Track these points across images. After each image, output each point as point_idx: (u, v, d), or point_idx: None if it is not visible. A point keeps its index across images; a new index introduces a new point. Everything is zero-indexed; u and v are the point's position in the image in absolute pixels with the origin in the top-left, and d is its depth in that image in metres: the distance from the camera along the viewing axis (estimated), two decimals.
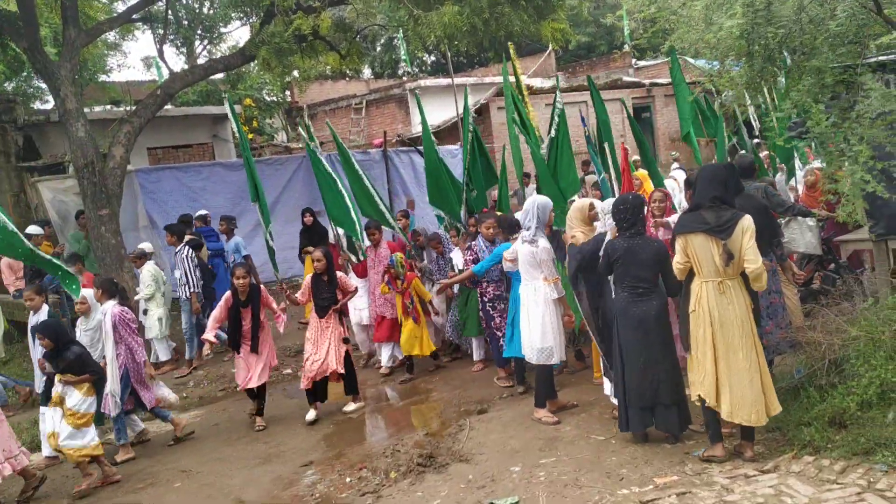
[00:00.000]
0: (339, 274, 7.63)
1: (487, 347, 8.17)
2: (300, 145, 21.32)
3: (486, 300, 7.56)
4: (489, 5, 9.62)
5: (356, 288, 8.03)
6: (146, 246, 9.90)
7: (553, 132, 8.35)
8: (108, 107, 17.60)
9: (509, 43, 9.55)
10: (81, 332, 7.27)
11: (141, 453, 7.06)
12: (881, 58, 5.99)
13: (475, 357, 8.38)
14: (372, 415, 7.59)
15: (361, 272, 8.90)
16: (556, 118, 8.33)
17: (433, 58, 31.58)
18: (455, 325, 8.51)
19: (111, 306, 6.84)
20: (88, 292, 7.24)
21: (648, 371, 5.39)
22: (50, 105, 15.24)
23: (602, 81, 21.18)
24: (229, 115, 8.44)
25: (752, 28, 5.32)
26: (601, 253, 5.63)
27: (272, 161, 14.85)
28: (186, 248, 9.49)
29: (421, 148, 9.55)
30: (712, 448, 5.12)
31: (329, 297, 7.41)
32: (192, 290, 9.47)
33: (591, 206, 6.55)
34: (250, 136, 22.89)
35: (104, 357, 6.83)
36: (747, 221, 4.86)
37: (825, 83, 5.21)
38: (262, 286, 7.71)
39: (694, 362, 5.09)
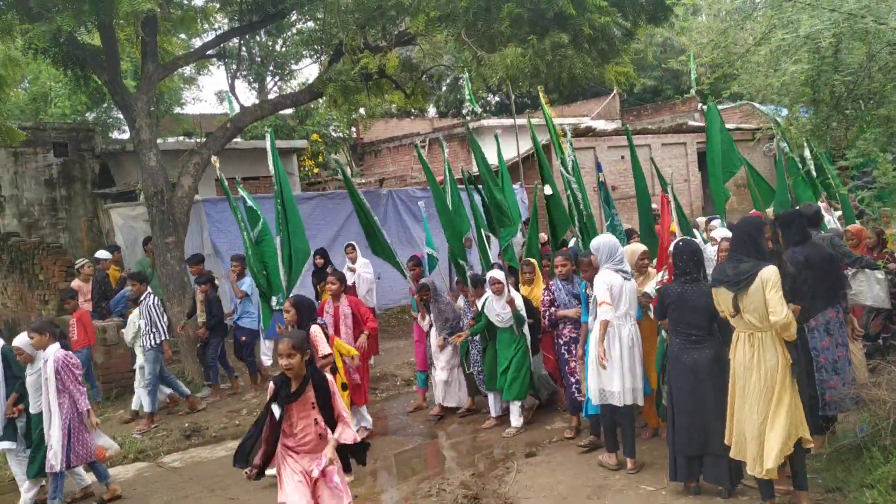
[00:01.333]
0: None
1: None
2: (363, 180, 21.74)
3: (562, 343, 7.16)
4: (552, 48, 9.68)
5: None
6: None
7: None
8: (181, 138, 18.27)
9: (539, 87, 9.51)
10: (27, 377, 6.49)
11: None
12: None
13: (492, 413, 7.89)
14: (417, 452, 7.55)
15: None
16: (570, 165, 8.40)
17: (497, 98, 31.86)
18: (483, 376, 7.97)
19: (53, 351, 6.28)
20: (23, 340, 6.38)
21: (697, 419, 5.26)
22: (126, 135, 15.91)
23: (667, 125, 21.00)
24: (268, 148, 8.37)
25: (819, 75, 5.23)
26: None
27: (335, 195, 15.13)
28: (151, 296, 8.89)
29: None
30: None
31: None
32: (158, 339, 8.68)
33: (645, 254, 6.53)
34: (316, 170, 23.47)
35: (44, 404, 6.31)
36: (768, 272, 4.75)
37: (894, 132, 5.06)
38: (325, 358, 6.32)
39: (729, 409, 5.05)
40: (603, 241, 6.23)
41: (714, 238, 8.11)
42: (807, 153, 9.16)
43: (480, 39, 10.77)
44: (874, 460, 5.07)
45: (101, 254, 11.14)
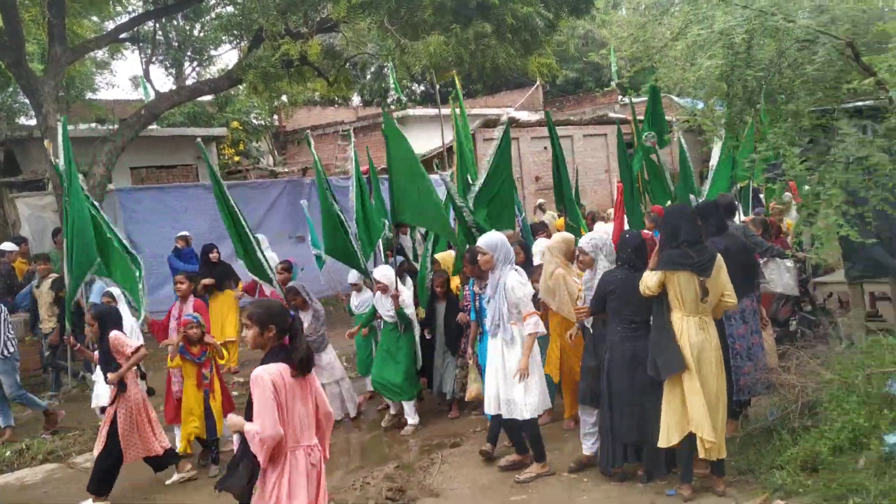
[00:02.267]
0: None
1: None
2: (286, 169, 21.34)
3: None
4: (475, 37, 9.71)
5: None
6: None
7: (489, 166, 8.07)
8: (94, 125, 17.54)
9: (456, 75, 9.46)
10: None
11: None
12: (858, 103, 6.07)
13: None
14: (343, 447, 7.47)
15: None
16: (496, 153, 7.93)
17: (422, 87, 31.77)
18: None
19: None
20: None
21: (638, 408, 5.30)
22: (33, 121, 15.18)
23: (589, 117, 21.36)
24: (202, 151, 7.99)
25: (732, 70, 5.38)
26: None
27: (257, 185, 14.82)
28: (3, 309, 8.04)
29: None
30: (682, 487, 5.07)
31: None
32: (7, 352, 7.85)
33: (575, 242, 6.50)
34: (236, 158, 22.92)
35: None
36: (720, 259, 4.95)
37: (802, 127, 5.26)
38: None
39: (675, 398, 5.02)
40: (498, 238, 5.94)
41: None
42: (715, 150, 9.42)
43: (404, 27, 10.71)
44: (783, 442, 5.26)
45: (7, 245, 10.59)
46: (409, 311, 7.38)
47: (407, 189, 7.31)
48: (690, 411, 4.91)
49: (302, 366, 3.78)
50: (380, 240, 8.77)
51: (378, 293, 7.53)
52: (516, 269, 5.87)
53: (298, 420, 3.79)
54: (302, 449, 3.81)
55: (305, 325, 7.34)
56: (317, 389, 3.99)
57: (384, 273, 7.46)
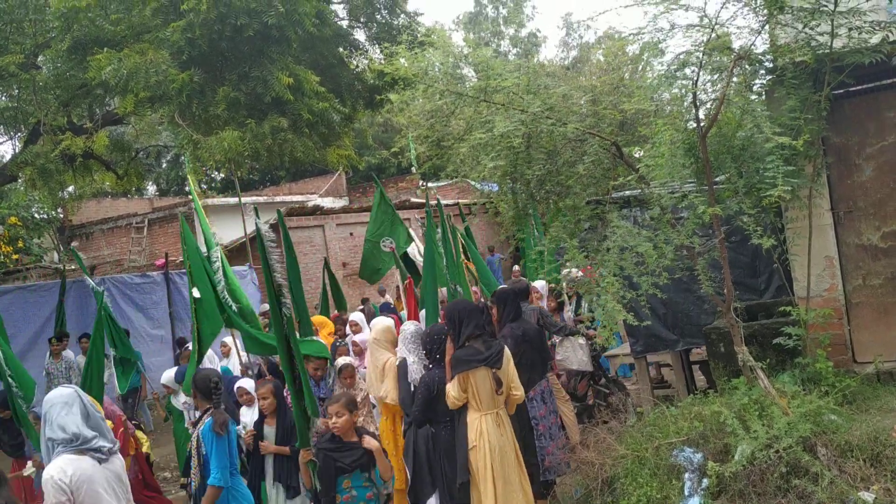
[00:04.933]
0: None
1: None
2: (73, 267, 19.77)
3: None
4: (272, 132, 9.68)
5: None
6: None
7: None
8: None
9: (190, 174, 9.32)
10: None
11: None
12: (626, 193, 6.69)
13: None
14: None
15: None
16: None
17: (222, 174, 31.09)
18: None
19: None
20: None
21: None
22: None
23: (392, 202, 21.84)
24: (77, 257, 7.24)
25: (515, 168, 5.74)
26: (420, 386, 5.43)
27: (36, 287, 13.54)
28: None
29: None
30: None
31: None
32: None
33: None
34: (15, 256, 20.92)
35: None
36: (507, 350, 5.12)
37: (580, 219, 5.68)
38: None
39: (476, 498, 5.04)
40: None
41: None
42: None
43: (197, 122, 10.46)
44: None
45: None
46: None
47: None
48: None
49: None
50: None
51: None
52: None
53: None
54: None
55: None
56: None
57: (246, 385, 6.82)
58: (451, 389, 5.01)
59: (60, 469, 3.41)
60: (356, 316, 8.81)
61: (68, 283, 13.59)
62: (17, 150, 12.63)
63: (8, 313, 11.65)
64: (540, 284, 9.06)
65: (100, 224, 21.93)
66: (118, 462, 3.68)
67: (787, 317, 5.82)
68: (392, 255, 9.94)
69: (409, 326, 6.27)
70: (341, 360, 6.69)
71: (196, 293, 6.79)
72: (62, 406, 3.52)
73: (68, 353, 9.54)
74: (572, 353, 8.25)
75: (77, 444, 3.47)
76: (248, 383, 6.86)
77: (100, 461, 3.52)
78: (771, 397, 5.14)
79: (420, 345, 5.75)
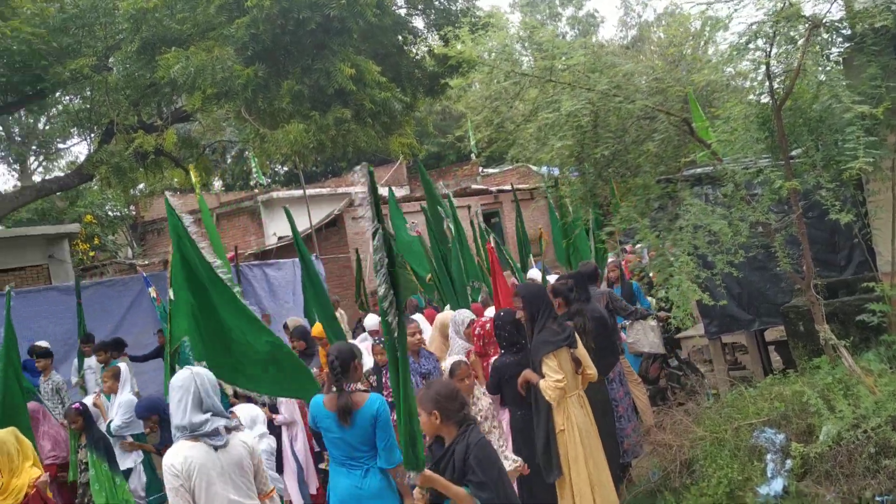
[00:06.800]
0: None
1: None
2: (146, 261, 20.39)
3: None
4: (335, 123, 9.77)
5: None
6: None
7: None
8: None
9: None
10: None
11: None
12: (698, 171, 6.55)
13: None
14: None
15: None
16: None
17: (286, 168, 31.62)
18: None
19: None
20: None
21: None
22: None
23: (452, 189, 21.89)
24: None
25: (582, 148, 5.67)
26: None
27: (113, 282, 14.02)
28: None
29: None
30: None
31: None
32: None
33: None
34: (92, 254, 21.72)
35: None
36: (574, 329, 5.07)
37: (651, 198, 5.59)
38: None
39: (567, 487, 4.94)
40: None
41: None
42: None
43: (262, 116, 10.64)
44: (667, 503, 5.40)
45: None
46: None
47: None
48: (578, 501, 4.87)
49: None
50: None
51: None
52: None
53: None
54: None
55: None
56: None
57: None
58: (550, 370, 4.82)
59: (174, 455, 3.55)
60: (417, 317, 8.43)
61: (140, 278, 14.02)
62: (91, 150, 13.08)
63: (89, 308, 12.12)
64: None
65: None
66: (237, 450, 3.68)
67: (870, 293, 5.62)
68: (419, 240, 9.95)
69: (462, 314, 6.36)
70: (451, 359, 5.54)
71: (171, 294, 6.34)
72: (176, 391, 3.62)
73: (56, 376, 8.87)
74: (643, 336, 8.14)
75: (190, 432, 3.57)
76: None
77: (215, 448, 3.59)
78: (856, 376, 4.98)
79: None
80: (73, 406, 6.46)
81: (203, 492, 3.52)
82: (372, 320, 7.58)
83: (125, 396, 6.80)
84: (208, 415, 3.60)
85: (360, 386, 4.43)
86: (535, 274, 10.25)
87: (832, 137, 5.20)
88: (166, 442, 5.71)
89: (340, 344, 4.82)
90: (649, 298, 8.87)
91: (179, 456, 3.54)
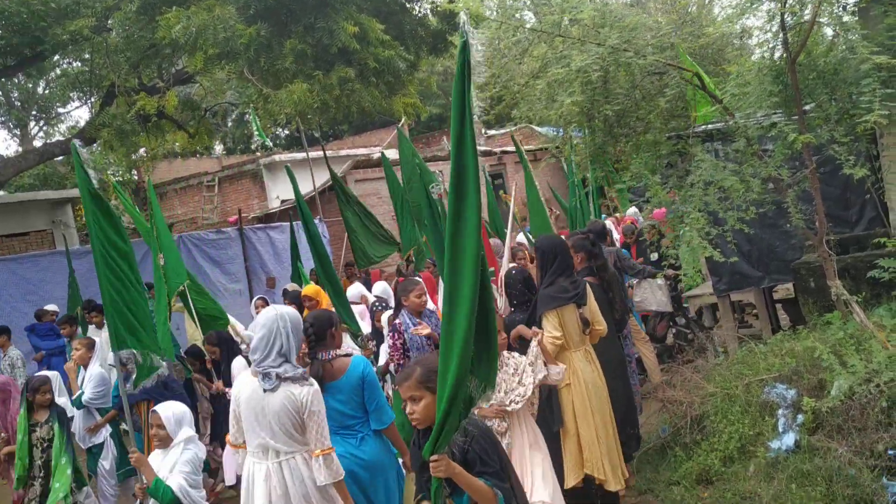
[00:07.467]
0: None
1: None
2: (150, 225, 20.31)
3: None
4: (339, 82, 9.66)
5: None
6: None
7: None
8: None
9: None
10: None
11: None
12: (709, 126, 6.47)
13: None
14: None
15: None
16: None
17: (286, 131, 31.40)
18: None
19: None
20: None
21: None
22: None
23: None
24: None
25: (592, 104, 5.59)
26: None
27: None
28: None
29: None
30: None
31: None
32: None
33: None
34: None
35: None
36: (588, 287, 5.02)
37: (661, 154, 5.52)
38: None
39: (572, 439, 4.94)
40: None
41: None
42: (588, 175, 9.82)
43: (265, 76, 10.53)
44: (678, 458, 5.43)
45: None
46: None
47: None
48: (586, 453, 4.87)
49: None
50: None
51: None
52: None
53: None
54: None
55: None
56: None
57: None
58: (549, 326, 4.79)
59: (238, 381, 3.92)
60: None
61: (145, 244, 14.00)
62: (92, 114, 12.98)
63: (90, 274, 12.07)
64: (632, 211, 9.07)
65: (172, 184, 22.45)
66: (279, 399, 3.70)
67: (882, 249, 5.57)
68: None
69: None
70: None
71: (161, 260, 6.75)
72: (259, 328, 3.83)
73: (14, 351, 8.85)
74: (650, 295, 8.15)
75: (254, 366, 3.79)
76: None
77: (264, 389, 3.71)
78: (868, 331, 4.97)
79: None
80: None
81: (245, 422, 3.80)
82: (355, 290, 7.56)
83: (96, 369, 6.65)
84: (272, 357, 3.74)
85: (339, 352, 4.37)
86: (521, 239, 10.24)
87: (847, 90, 5.12)
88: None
89: (318, 311, 4.77)
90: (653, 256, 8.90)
91: (239, 383, 3.87)
